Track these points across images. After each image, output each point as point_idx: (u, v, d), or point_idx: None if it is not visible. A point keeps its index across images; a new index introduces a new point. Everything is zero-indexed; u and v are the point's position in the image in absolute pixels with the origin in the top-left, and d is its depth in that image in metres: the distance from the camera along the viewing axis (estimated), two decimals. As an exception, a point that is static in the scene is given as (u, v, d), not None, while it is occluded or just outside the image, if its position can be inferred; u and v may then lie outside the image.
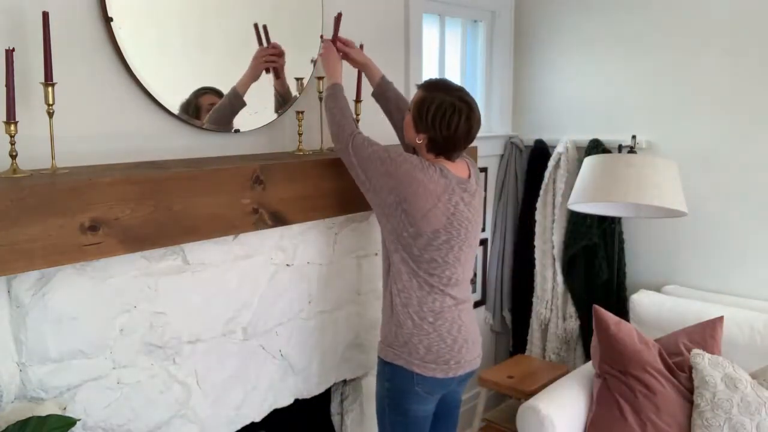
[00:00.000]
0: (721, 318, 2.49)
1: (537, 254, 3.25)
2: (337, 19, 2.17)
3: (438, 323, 1.96)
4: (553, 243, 3.18)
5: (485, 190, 3.34)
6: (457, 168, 1.98)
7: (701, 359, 2.32)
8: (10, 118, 1.54)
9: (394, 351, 1.99)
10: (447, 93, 1.90)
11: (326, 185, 2.08)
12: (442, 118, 1.87)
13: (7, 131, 1.55)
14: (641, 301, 2.83)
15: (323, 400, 2.49)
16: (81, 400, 1.68)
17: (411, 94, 2.80)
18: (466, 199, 1.96)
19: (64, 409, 1.63)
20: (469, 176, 2.01)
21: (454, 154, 1.96)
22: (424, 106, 1.90)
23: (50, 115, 1.59)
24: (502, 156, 3.42)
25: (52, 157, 1.64)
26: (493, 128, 3.40)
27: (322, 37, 2.25)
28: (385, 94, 2.23)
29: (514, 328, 3.48)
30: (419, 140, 1.93)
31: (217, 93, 2.06)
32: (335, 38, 2.17)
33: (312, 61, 2.28)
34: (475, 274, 3.39)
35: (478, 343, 2.08)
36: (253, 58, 2.11)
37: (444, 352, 1.96)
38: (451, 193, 1.92)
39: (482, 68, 3.35)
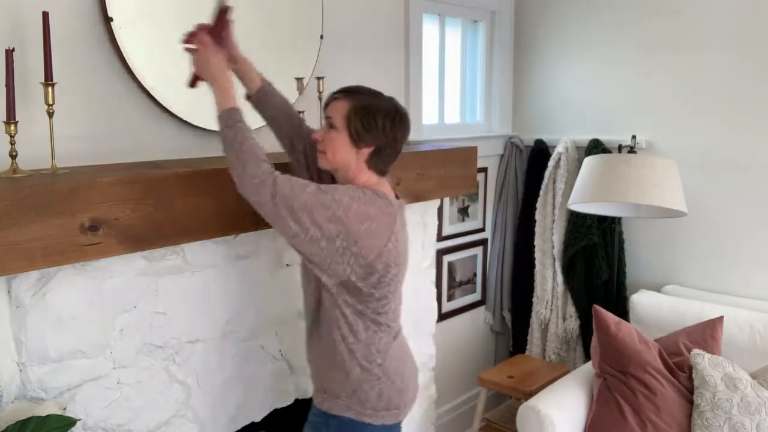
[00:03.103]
0: (721, 318, 2.49)
1: (537, 254, 3.25)
2: (224, 11, 1.67)
3: (386, 364, 1.75)
4: (553, 243, 3.19)
5: (485, 189, 3.36)
6: (388, 188, 1.77)
7: (701, 359, 2.32)
8: (10, 118, 1.54)
9: (341, 402, 1.75)
10: (382, 98, 1.71)
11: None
12: (393, 124, 1.67)
13: (7, 131, 1.55)
14: (641, 301, 2.83)
15: (323, 400, 2.48)
16: (81, 400, 1.68)
17: (411, 93, 2.82)
18: (404, 222, 1.78)
19: (64, 409, 1.63)
20: (395, 193, 1.81)
21: (389, 167, 1.76)
22: (369, 113, 1.65)
23: (50, 115, 1.59)
24: (502, 156, 3.42)
25: (52, 157, 1.64)
26: (493, 128, 3.40)
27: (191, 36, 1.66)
28: (268, 99, 1.85)
29: (514, 328, 3.48)
30: (362, 154, 1.68)
31: None
32: (218, 29, 1.66)
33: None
34: (474, 274, 3.40)
35: (418, 371, 1.90)
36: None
37: (395, 396, 1.77)
38: (399, 221, 1.72)
39: (482, 68, 3.35)
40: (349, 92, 1.69)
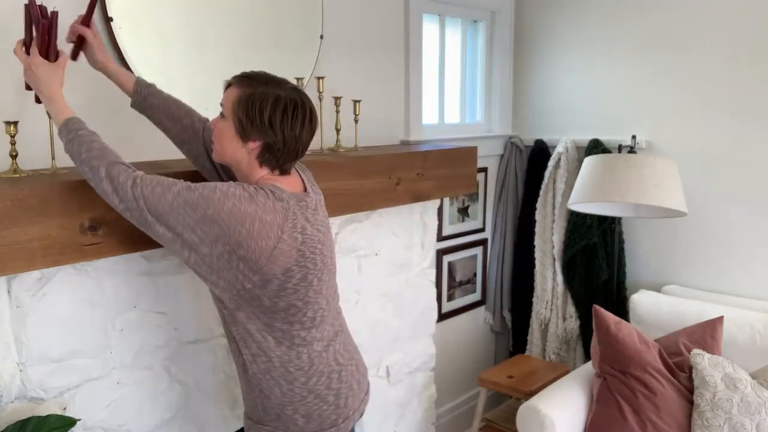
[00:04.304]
0: (721, 318, 2.49)
1: (537, 254, 3.25)
2: (46, 20, 1.49)
3: (312, 382, 1.57)
4: (553, 243, 3.19)
5: (485, 189, 3.36)
6: (291, 182, 1.57)
7: (701, 359, 2.32)
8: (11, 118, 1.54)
9: (266, 429, 1.59)
10: (278, 87, 1.49)
11: (324, 186, 2.08)
12: (284, 116, 1.47)
13: (7, 131, 1.55)
14: (641, 301, 2.83)
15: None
16: (81, 400, 1.68)
17: (411, 93, 2.82)
18: (310, 218, 1.54)
19: (64, 409, 1.64)
20: (305, 188, 1.60)
21: (292, 164, 1.57)
22: (254, 103, 1.46)
23: (50, 115, 1.59)
24: (502, 156, 3.42)
25: (52, 157, 1.64)
26: (493, 128, 3.40)
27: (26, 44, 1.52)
28: (147, 102, 1.70)
29: (514, 328, 3.48)
30: (250, 150, 1.50)
31: None
32: (87, 20, 1.59)
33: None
34: (474, 274, 3.40)
35: (363, 376, 1.72)
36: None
37: (328, 414, 1.59)
38: (294, 217, 1.49)
39: (482, 68, 3.35)
40: (242, 78, 1.50)
